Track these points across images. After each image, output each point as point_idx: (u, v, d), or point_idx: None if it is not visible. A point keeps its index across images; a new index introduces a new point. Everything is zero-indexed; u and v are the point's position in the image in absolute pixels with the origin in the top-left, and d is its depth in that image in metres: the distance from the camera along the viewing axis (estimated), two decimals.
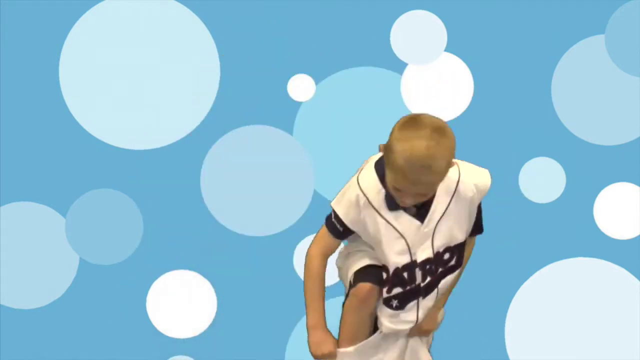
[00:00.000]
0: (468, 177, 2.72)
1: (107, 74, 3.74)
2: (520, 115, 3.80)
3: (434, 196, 2.67)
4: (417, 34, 3.78)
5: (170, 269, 3.75)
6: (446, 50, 3.79)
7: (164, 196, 3.75)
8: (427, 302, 2.81)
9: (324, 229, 2.77)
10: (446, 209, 2.69)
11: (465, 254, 2.85)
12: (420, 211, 2.69)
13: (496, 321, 3.75)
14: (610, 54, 3.78)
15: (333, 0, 3.77)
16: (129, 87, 3.75)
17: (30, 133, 3.74)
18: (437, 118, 2.61)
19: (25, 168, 3.73)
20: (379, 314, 2.82)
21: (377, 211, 2.67)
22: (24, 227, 3.72)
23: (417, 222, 2.68)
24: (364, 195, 2.67)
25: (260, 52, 3.77)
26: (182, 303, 3.75)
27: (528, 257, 3.76)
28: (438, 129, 2.55)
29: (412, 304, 2.78)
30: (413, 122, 2.58)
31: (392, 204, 2.66)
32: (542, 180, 3.79)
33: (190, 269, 3.75)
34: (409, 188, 2.56)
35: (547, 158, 3.79)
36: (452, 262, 2.80)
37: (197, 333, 3.74)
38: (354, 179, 2.72)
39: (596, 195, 3.79)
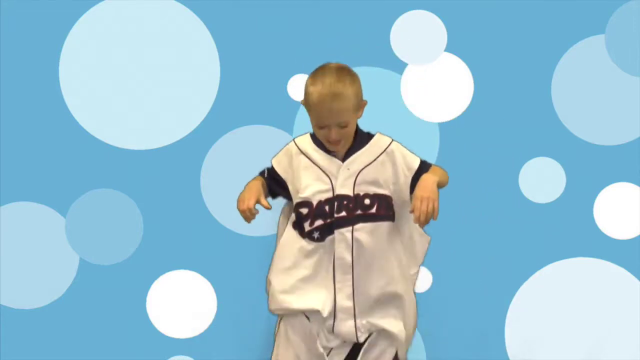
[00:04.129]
0: (398, 149, 3.12)
1: (107, 74, 3.75)
2: (520, 115, 3.80)
3: (359, 150, 3.09)
4: (417, 34, 3.78)
5: (170, 269, 3.75)
6: (446, 50, 3.79)
7: (164, 196, 3.75)
8: (341, 236, 3.06)
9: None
10: (374, 160, 3.08)
11: (438, 170, 3.13)
12: (345, 158, 3.09)
13: (496, 321, 3.75)
14: (610, 54, 3.78)
15: (333, 0, 3.77)
16: (129, 87, 3.75)
17: (30, 133, 3.74)
18: (342, 65, 3.10)
19: (25, 168, 3.73)
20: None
21: (306, 155, 3.10)
22: (24, 227, 3.73)
23: (339, 162, 3.08)
24: (296, 145, 3.14)
25: (260, 52, 3.77)
26: (182, 303, 3.75)
27: (528, 257, 3.76)
28: (341, 67, 3.07)
29: (331, 237, 3.06)
30: (320, 68, 3.08)
31: (320, 147, 3.11)
32: (542, 180, 3.79)
33: (190, 269, 3.75)
34: (328, 119, 3.01)
35: (547, 158, 3.79)
36: (373, 210, 3.06)
37: (197, 333, 3.74)
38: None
39: (596, 195, 3.79)
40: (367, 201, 3.05)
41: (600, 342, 3.74)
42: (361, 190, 3.05)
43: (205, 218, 3.74)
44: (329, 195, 3.05)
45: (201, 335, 3.74)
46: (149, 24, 3.75)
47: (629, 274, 3.76)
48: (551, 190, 3.80)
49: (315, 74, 3.07)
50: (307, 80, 3.07)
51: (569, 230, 3.77)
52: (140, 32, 3.75)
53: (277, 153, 3.18)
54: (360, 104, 3.08)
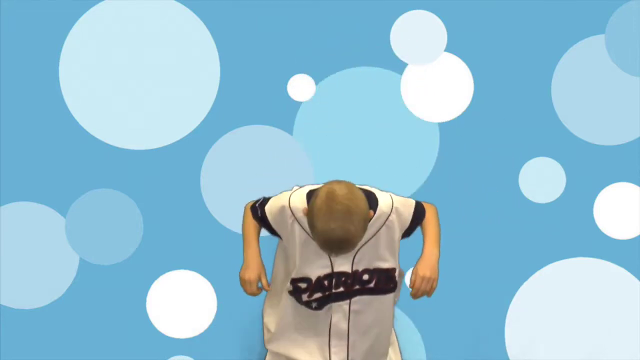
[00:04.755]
0: (397, 213, 3.02)
1: (107, 74, 3.75)
2: (520, 115, 3.80)
3: None
4: (417, 34, 3.78)
5: (170, 269, 3.75)
6: (446, 50, 3.79)
7: (164, 196, 3.75)
8: (339, 307, 3.07)
9: (249, 206, 3.13)
10: (373, 236, 2.99)
11: (433, 229, 3.09)
12: None
13: (496, 321, 3.75)
14: (610, 54, 3.78)
15: (333, 0, 3.77)
16: (129, 87, 3.75)
17: (30, 133, 3.74)
18: (348, 189, 2.86)
19: (25, 168, 3.73)
20: None
21: (303, 228, 2.98)
22: (24, 227, 3.73)
23: None
24: (292, 212, 2.99)
25: (260, 52, 3.77)
26: (182, 303, 3.75)
27: (528, 257, 3.76)
28: (349, 207, 2.82)
29: (328, 306, 3.06)
30: (329, 200, 2.83)
31: None
32: (542, 180, 3.79)
33: (190, 269, 3.75)
34: (336, 254, 2.93)
35: (547, 158, 3.79)
36: (372, 285, 3.04)
37: (197, 333, 3.74)
38: (288, 193, 3.04)
39: (596, 195, 3.79)
40: (365, 277, 3.04)
41: (600, 342, 3.74)
42: (360, 266, 3.03)
43: (205, 218, 3.74)
44: (328, 270, 3.02)
45: (201, 335, 3.74)
46: (149, 24, 3.75)
47: (629, 274, 3.76)
48: (551, 190, 3.80)
49: (324, 209, 2.83)
50: (314, 206, 2.85)
51: (569, 230, 3.77)
52: (140, 32, 3.75)
53: (270, 201, 3.07)
54: (367, 223, 2.93)
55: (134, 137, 3.75)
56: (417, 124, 3.78)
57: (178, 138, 3.76)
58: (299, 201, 2.98)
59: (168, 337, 3.74)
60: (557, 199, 3.79)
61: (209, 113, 3.76)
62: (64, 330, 3.71)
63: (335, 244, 2.84)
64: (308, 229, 2.94)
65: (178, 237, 3.75)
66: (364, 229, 2.87)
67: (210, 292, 3.75)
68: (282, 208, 3.01)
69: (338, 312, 3.06)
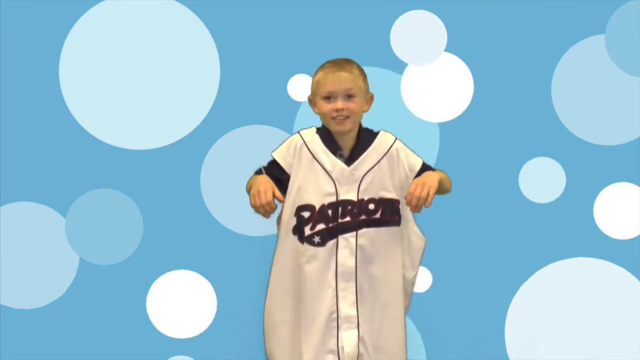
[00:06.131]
0: (402, 148, 3.09)
1: (107, 74, 3.74)
2: (520, 115, 3.80)
3: (364, 151, 3.05)
4: (417, 34, 3.78)
5: (170, 269, 3.75)
6: (446, 50, 3.79)
7: (164, 196, 3.75)
8: (345, 241, 3.02)
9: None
10: (376, 163, 3.05)
11: (442, 173, 3.11)
12: (350, 160, 3.05)
13: (496, 321, 3.75)
14: (610, 54, 3.78)
15: (333, 0, 3.77)
16: (129, 87, 3.75)
17: (30, 133, 3.74)
18: None
19: (25, 168, 3.73)
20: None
21: (311, 151, 3.04)
22: (24, 227, 3.73)
23: (344, 165, 3.03)
24: (302, 138, 3.07)
25: (260, 52, 3.77)
26: (182, 303, 3.75)
27: (528, 257, 3.76)
28: (349, 59, 3.09)
29: (333, 242, 3.02)
30: (329, 60, 3.09)
31: (326, 145, 3.05)
32: (542, 180, 3.79)
33: (190, 269, 3.75)
34: (336, 84, 3.02)
35: (547, 158, 3.79)
36: (377, 215, 3.03)
37: (197, 333, 3.74)
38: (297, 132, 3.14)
39: (596, 195, 3.79)
40: (371, 206, 3.02)
41: (600, 342, 3.74)
42: (366, 195, 3.02)
43: (205, 218, 3.74)
44: (333, 199, 3.01)
45: (201, 335, 3.74)
46: (149, 24, 3.75)
47: (629, 274, 3.76)
48: (551, 190, 3.80)
49: (324, 64, 3.09)
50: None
51: (569, 230, 3.78)
52: (140, 32, 3.75)
53: (278, 147, 3.12)
54: (367, 93, 3.09)
55: (134, 137, 3.75)
56: (417, 124, 3.78)
57: (178, 138, 3.76)
58: (307, 131, 3.09)
59: (168, 337, 3.74)
60: (557, 199, 3.80)
61: (209, 113, 3.76)
62: (64, 330, 3.71)
63: (335, 68, 3.02)
64: (314, 150, 3.03)
65: (178, 237, 3.75)
66: (364, 79, 3.07)
67: (210, 292, 3.75)
68: (291, 140, 3.10)
69: (345, 248, 3.00)
